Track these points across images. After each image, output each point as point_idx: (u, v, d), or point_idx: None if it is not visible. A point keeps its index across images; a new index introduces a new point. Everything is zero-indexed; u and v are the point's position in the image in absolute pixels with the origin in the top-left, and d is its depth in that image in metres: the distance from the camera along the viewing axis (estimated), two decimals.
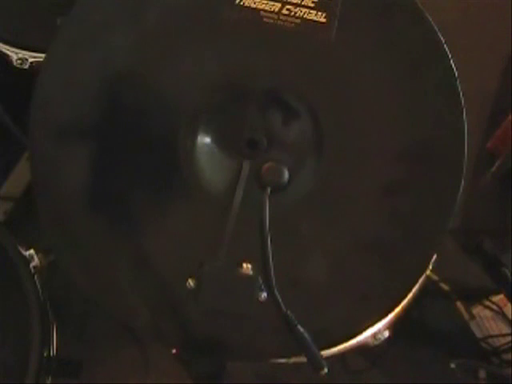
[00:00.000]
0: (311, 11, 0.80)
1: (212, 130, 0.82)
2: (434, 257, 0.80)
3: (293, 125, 0.81)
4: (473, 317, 1.25)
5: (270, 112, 0.81)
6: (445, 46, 0.79)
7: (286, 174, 0.75)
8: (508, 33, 1.40)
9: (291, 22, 0.80)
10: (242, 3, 0.80)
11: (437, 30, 0.79)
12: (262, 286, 0.71)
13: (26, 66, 1.08)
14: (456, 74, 0.78)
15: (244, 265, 0.72)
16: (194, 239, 0.79)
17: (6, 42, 1.09)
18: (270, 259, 0.69)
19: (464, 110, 0.78)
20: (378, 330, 0.82)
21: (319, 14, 0.80)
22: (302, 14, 0.80)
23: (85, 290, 0.81)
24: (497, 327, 1.23)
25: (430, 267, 0.81)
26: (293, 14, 0.80)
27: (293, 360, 0.79)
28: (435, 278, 1.23)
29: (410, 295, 0.81)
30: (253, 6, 0.80)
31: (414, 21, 0.80)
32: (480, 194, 1.35)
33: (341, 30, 0.79)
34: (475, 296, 1.27)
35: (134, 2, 0.83)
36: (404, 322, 0.88)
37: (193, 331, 0.78)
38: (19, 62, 1.08)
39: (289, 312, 0.70)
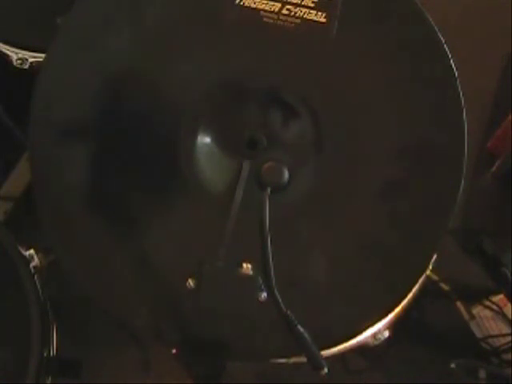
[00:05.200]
0: (311, 11, 0.80)
1: (212, 130, 0.82)
2: (434, 257, 0.80)
3: (293, 125, 0.81)
4: (473, 317, 1.25)
5: (269, 112, 0.81)
6: (445, 46, 0.79)
7: (286, 174, 0.75)
8: (508, 33, 1.40)
9: (291, 22, 0.80)
10: (242, 3, 0.80)
11: (437, 30, 0.79)
12: (262, 286, 0.71)
13: (26, 66, 1.08)
14: (456, 74, 0.78)
15: (244, 265, 0.72)
16: (194, 239, 0.79)
17: (6, 42, 1.09)
18: (270, 259, 0.69)
19: (464, 110, 0.78)
20: (378, 330, 0.82)
21: (319, 14, 0.80)
22: (302, 14, 0.80)
23: (85, 289, 0.81)
24: (497, 327, 1.23)
25: (430, 267, 0.81)
26: (293, 14, 0.80)
27: (293, 360, 0.79)
28: (435, 277, 1.23)
29: (410, 295, 0.80)
30: (253, 5, 0.80)
31: (414, 21, 0.80)
32: (480, 193, 1.35)
33: (341, 30, 0.79)
34: (475, 296, 1.26)
35: (133, 1, 0.83)
36: (404, 322, 0.88)
37: (193, 331, 0.78)
38: (19, 62, 1.08)
39: (289, 312, 0.70)
